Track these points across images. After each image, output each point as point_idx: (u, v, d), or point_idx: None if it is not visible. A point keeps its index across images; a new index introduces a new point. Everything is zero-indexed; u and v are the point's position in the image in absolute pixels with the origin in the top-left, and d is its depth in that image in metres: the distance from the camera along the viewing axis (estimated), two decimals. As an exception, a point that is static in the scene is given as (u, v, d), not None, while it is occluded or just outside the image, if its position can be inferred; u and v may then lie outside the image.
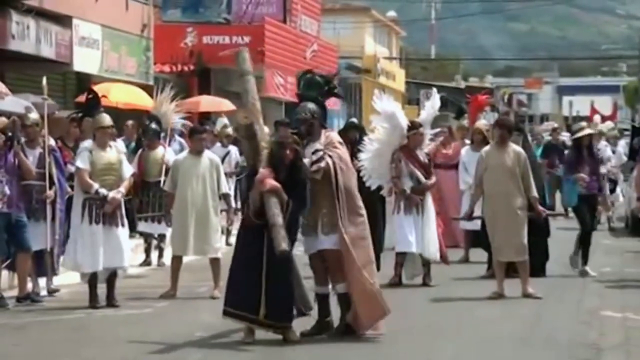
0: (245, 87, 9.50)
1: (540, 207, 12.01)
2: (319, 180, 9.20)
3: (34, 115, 12.02)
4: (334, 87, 9.66)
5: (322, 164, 9.19)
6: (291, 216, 9.08)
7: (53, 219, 11.77)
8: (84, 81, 19.94)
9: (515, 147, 11.99)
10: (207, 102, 22.92)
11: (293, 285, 9.21)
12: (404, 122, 12.72)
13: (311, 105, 9.44)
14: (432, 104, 13.20)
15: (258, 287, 9.03)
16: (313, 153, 9.29)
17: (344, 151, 9.47)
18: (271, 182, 9.00)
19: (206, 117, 23.03)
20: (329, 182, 9.20)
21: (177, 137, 16.94)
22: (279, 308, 9.08)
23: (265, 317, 9.04)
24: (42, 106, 12.09)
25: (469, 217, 12.40)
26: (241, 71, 9.58)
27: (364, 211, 9.41)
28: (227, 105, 23.08)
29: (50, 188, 11.75)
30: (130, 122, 17.59)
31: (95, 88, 13.18)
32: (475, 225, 13.65)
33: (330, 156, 9.25)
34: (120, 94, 19.46)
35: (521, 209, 11.68)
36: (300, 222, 9.26)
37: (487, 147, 12.25)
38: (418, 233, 12.52)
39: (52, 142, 12.07)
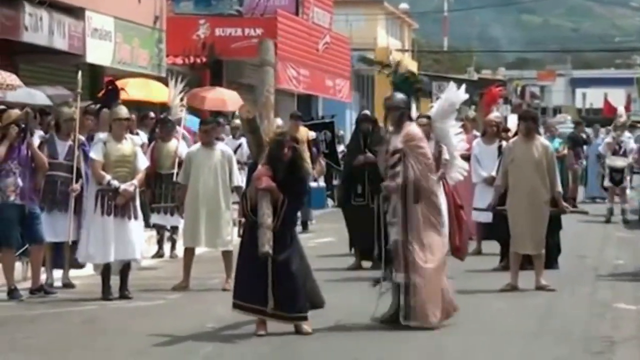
0: (263, 77, 9.46)
1: (564, 203, 12.00)
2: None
3: (68, 110, 12.08)
4: (418, 86, 10.00)
5: (393, 184, 9.43)
6: (288, 214, 9.07)
7: (78, 212, 11.80)
8: (97, 73, 19.96)
9: (543, 140, 11.96)
10: (211, 101, 22.76)
11: (300, 278, 9.19)
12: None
13: (402, 95, 9.79)
14: (446, 97, 12.98)
15: (264, 279, 9.02)
16: (392, 154, 9.49)
17: (426, 146, 9.69)
18: (266, 181, 9.01)
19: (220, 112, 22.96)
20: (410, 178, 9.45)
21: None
22: (288, 300, 9.07)
23: (274, 309, 9.03)
24: (66, 98, 12.14)
25: (493, 208, 12.33)
26: (262, 61, 9.53)
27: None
28: (233, 103, 22.93)
29: (76, 181, 11.79)
30: (152, 114, 17.65)
31: (127, 84, 13.22)
32: (488, 217, 13.60)
33: (405, 156, 9.42)
34: (138, 88, 19.48)
35: (546, 203, 11.66)
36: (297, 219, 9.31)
37: (514, 139, 12.19)
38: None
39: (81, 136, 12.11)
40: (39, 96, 16.04)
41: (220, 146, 12.32)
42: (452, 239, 12.52)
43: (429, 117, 12.62)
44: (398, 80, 9.97)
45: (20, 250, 11.60)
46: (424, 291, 9.38)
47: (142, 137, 15.33)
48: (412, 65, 50.54)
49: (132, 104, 16.38)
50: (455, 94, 12.50)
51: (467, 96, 12.89)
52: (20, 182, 11.27)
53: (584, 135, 25.41)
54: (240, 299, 9.17)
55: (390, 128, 9.67)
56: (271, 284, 9.03)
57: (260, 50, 9.55)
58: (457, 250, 12.66)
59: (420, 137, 9.68)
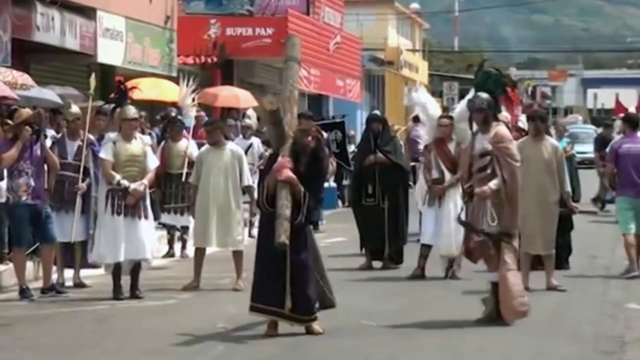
0: (287, 73, 9.47)
1: (573, 203, 11.96)
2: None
3: (75, 110, 12.10)
4: (507, 81, 10.05)
5: (486, 189, 9.50)
6: (308, 206, 9.04)
7: (85, 212, 11.82)
8: (108, 73, 19.99)
9: (552, 141, 11.95)
10: (224, 98, 22.79)
11: (314, 279, 9.17)
12: (436, 114, 12.74)
13: (486, 96, 9.72)
14: (469, 97, 12.83)
15: (282, 279, 9.00)
16: (481, 156, 9.52)
17: (514, 147, 9.72)
18: (287, 173, 8.98)
19: (230, 109, 22.98)
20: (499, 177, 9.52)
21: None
22: (303, 301, 9.06)
23: (291, 311, 9.01)
24: (77, 98, 12.18)
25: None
26: (287, 56, 9.52)
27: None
28: (246, 100, 22.96)
29: (83, 181, 11.81)
30: (173, 113, 17.63)
31: (140, 83, 13.25)
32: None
33: (496, 159, 9.51)
34: (150, 88, 19.51)
35: (555, 203, 11.64)
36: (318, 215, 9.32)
37: (523, 139, 12.16)
38: (437, 227, 12.48)
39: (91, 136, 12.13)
40: (49, 95, 16.07)
41: (230, 146, 12.32)
42: (467, 241, 12.49)
43: (451, 118, 12.61)
44: (479, 81, 9.98)
45: (31, 249, 11.63)
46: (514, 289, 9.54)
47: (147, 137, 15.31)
48: (422, 65, 50.55)
49: (144, 104, 16.43)
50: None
51: (490, 98, 12.83)
52: (32, 182, 11.30)
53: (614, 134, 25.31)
54: (258, 301, 9.11)
55: (475, 128, 9.76)
56: (289, 285, 9.00)
57: (286, 47, 9.56)
58: (470, 253, 12.62)
59: (509, 139, 9.73)
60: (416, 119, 23.61)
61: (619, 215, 13.01)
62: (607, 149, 13.70)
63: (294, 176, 8.99)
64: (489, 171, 9.56)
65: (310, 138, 9.08)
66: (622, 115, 17.75)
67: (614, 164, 12.94)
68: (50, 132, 13.34)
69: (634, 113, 16.41)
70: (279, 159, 9.10)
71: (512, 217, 9.63)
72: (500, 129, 9.72)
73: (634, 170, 12.78)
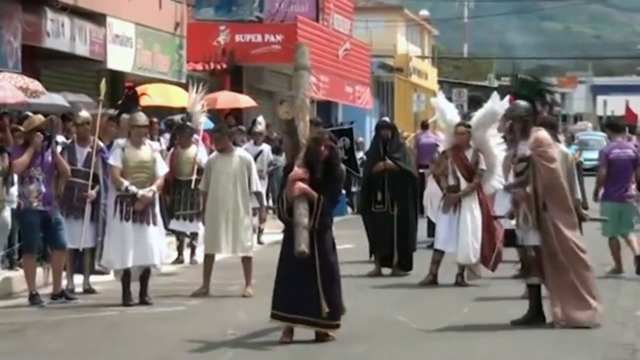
0: (298, 81, 9.48)
1: (584, 211, 11.97)
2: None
3: (84, 114, 12.12)
4: (544, 88, 10.27)
5: (522, 192, 9.70)
6: (323, 213, 9.04)
7: (95, 219, 11.83)
8: (118, 79, 20.02)
9: (562, 148, 11.93)
10: (224, 99, 22.90)
11: (340, 283, 9.17)
12: (454, 120, 12.76)
13: (524, 104, 9.92)
14: (488, 106, 12.63)
15: (315, 287, 8.95)
16: (519, 161, 9.73)
17: (553, 151, 9.87)
18: (300, 186, 8.98)
19: (230, 114, 22.97)
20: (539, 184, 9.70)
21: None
22: (336, 306, 9.04)
23: (328, 317, 8.94)
24: (89, 106, 12.19)
25: (512, 216, 12.28)
26: (297, 65, 9.55)
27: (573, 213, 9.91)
28: (246, 101, 23.06)
29: (93, 188, 11.83)
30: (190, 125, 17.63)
31: (147, 89, 13.25)
32: (510, 224, 13.54)
33: (533, 163, 9.67)
34: (159, 94, 19.54)
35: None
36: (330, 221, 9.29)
37: None
38: (453, 233, 12.47)
39: (101, 142, 12.14)
40: (59, 101, 16.11)
41: (239, 152, 12.32)
42: (483, 248, 12.48)
43: (468, 126, 12.60)
44: (516, 89, 10.15)
45: (40, 255, 11.64)
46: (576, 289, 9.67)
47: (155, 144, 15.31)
48: (431, 72, 50.54)
49: (152, 110, 16.41)
50: (499, 104, 12.48)
51: (499, 105, 12.81)
52: (43, 188, 11.31)
53: None
54: (282, 309, 9.04)
55: (517, 134, 9.92)
56: (323, 291, 8.95)
57: (296, 55, 9.58)
58: (486, 260, 12.62)
59: (547, 143, 9.87)
60: (424, 126, 23.66)
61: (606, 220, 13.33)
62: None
63: (307, 188, 9.00)
64: (524, 177, 9.76)
65: (323, 148, 9.09)
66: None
67: (605, 169, 13.37)
68: (60, 138, 13.36)
69: (615, 117, 17.43)
70: (295, 169, 9.11)
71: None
72: (540, 134, 9.89)
73: (624, 174, 13.38)
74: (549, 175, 9.76)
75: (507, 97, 12.61)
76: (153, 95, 18.42)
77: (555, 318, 9.71)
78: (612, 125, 14.46)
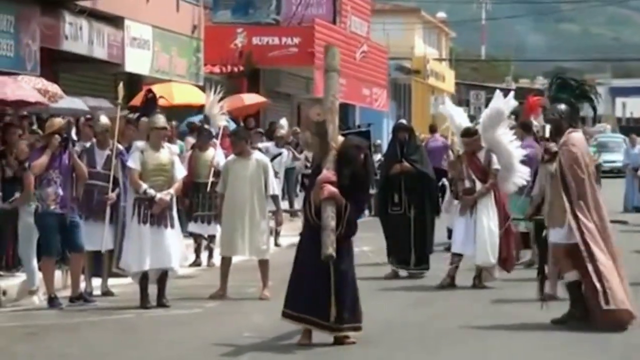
0: (328, 83, 9.48)
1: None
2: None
3: (104, 121, 12.15)
4: (585, 89, 10.43)
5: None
6: (350, 220, 9.00)
7: (114, 221, 11.86)
8: (136, 82, 20.09)
9: None
10: (228, 101, 22.93)
11: (356, 287, 9.13)
12: (463, 125, 12.76)
13: (561, 107, 10.11)
14: (492, 105, 12.66)
15: (327, 290, 8.91)
16: (545, 152, 10.08)
17: (578, 150, 9.92)
18: (329, 189, 8.95)
19: (250, 116, 22.99)
20: (562, 182, 9.84)
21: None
22: (347, 311, 8.97)
23: (335, 322, 8.92)
24: (110, 111, 12.23)
25: (530, 217, 12.25)
26: (328, 66, 9.56)
27: (603, 211, 9.93)
28: (250, 98, 23.00)
29: (113, 190, 11.86)
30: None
31: (154, 88, 13.28)
32: (526, 227, 13.51)
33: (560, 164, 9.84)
34: (180, 94, 19.60)
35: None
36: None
37: None
38: (469, 236, 12.46)
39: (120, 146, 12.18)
40: (80, 105, 16.17)
41: (256, 155, 12.33)
42: (501, 249, 12.46)
43: (476, 131, 12.56)
44: (554, 93, 10.26)
45: (59, 258, 11.67)
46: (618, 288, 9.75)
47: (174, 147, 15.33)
48: (448, 74, 50.48)
49: (173, 111, 16.46)
50: (503, 101, 12.45)
51: (516, 103, 12.82)
52: (60, 191, 11.35)
53: None
54: (293, 309, 9.02)
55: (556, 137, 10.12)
56: (334, 296, 8.92)
57: (327, 57, 9.60)
58: (504, 262, 12.59)
59: (572, 143, 9.94)
60: (432, 130, 23.64)
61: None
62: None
63: (335, 191, 8.92)
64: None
65: (362, 156, 9.06)
66: None
67: None
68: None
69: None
70: (324, 171, 9.06)
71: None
72: (572, 135, 9.98)
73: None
74: (572, 174, 9.82)
75: (511, 94, 12.66)
76: (178, 95, 18.47)
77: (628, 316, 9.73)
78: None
